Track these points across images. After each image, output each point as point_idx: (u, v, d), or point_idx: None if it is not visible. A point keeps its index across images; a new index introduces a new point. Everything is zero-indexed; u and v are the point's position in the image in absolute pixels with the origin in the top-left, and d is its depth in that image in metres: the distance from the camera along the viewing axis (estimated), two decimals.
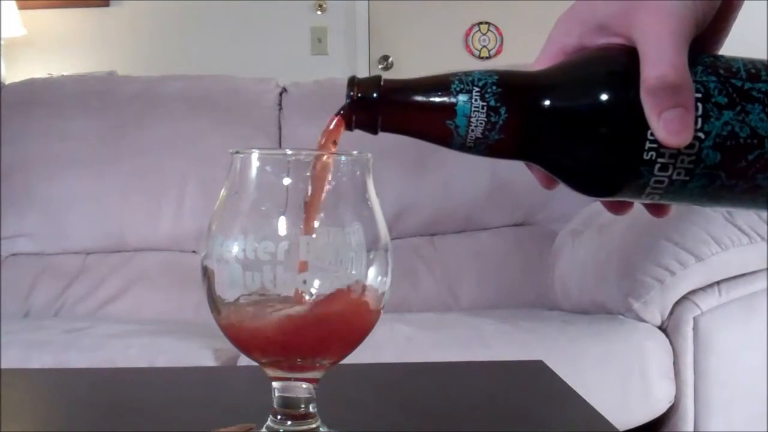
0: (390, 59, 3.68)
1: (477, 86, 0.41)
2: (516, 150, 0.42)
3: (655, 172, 0.39)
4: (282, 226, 0.46)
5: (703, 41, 0.41)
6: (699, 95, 0.38)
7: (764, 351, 1.38)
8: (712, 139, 0.38)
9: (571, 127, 0.40)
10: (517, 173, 1.64)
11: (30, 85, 2.18)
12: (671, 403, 1.41)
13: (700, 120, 0.38)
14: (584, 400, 0.64)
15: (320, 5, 3.58)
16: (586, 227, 1.67)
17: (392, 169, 1.93)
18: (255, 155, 0.48)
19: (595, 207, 1.73)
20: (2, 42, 3.28)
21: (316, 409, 0.49)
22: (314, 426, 0.49)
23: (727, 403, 1.42)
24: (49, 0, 3.49)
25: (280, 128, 2.06)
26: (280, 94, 2.11)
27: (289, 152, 0.48)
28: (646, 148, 0.38)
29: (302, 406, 0.49)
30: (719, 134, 0.38)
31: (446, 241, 1.97)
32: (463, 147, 0.42)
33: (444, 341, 1.43)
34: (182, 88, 2.11)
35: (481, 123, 0.40)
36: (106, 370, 1.12)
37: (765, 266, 1.40)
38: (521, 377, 0.77)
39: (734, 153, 0.39)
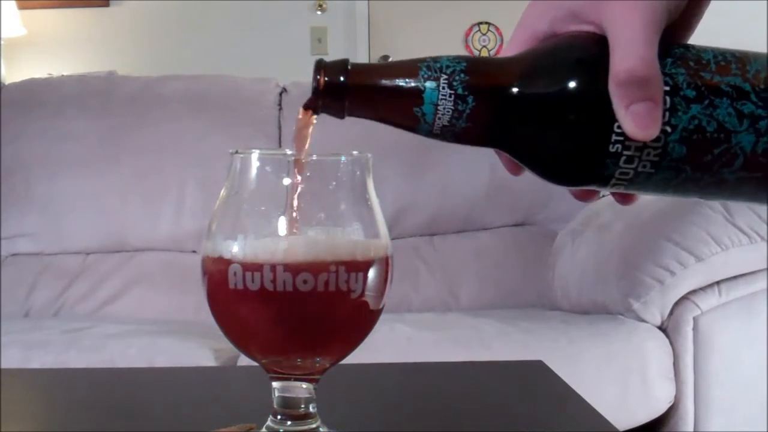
0: (390, 59, 3.68)
1: (445, 73, 0.40)
2: (483, 138, 0.42)
3: (621, 164, 0.39)
4: (282, 226, 0.46)
5: (673, 29, 0.41)
6: (667, 88, 0.38)
7: (764, 351, 1.38)
8: (679, 133, 0.38)
9: (538, 117, 0.40)
10: None
11: (30, 85, 2.17)
12: (671, 403, 1.41)
13: (667, 113, 0.38)
14: (584, 400, 0.64)
15: (320, 5, 3.58)
16: (586, 227, 1.67)
17: (392, 169, 1.93)
18: (255, 155, 0.48)
19: (595, 207, 1.73)
20: (2, 42, 3.28)
21: (316, 409, 0.49)
22: (314, 426, 0.49)
23: (727, 403, 1.42)
24: (49, 0, 3.49)
25: (280, 128, 2.06)
26: (280, 94, 2.11)
27: (289, 152, 0.48)
28: (613, 140, 0.38)
29: (302, 406, 0.49)
30: (686, 128, 0.38)
31: (446, 241, 1.97)
32: (430, 134, 0.42)
33: (444, 341, 1.43)
34: (182, 88, 2.11)
35: (448, 111, 0.40)
36: (106, 370, 1.12)
37: (765, 266, 1.40)
38: (521, 377, 0.77)
39: (700, 147, 0.38)
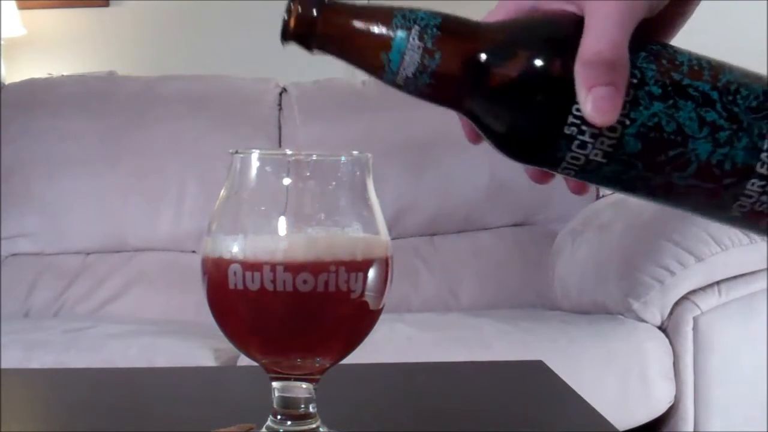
0: None
1: (418, 25, 0.40)
2: (445, 98, 0.41)
3: (573, 148, 0.38)
4: (282, 225, 0.46)
5: (656, 26, 0.41)
6: (634, 80, 0.37)
7: (764, 351, 1.38)
8: (637, 127, 0.38)
9: (500, 87, 0.39)
10: (517, 173, 1.64)
11: (30, 85, 2.17)
12: (671, 404, 1.41)
13: (628, 105, 0.37)
14: (584, 400, 0.64)
15: None
16: (586, 227, 1.67)
17: (392, 169, 1.93)
18: (255, 155, 0.48)
19: (595, 207, 1.73)
20: (2, 42, 3.28)
21: (316, 409, 0.49)
22: (314, 426, 0.49)
23: (727, 403, 1.42)
24: (49, 0, 3.49)
25: (280, 128, 2.05)
26: (280, 94, 2.11)
27: (289, 152, 0.48)
28: (569, 122, 0.38)
29: (302, 406, 0.49)
30: (645, 123, 0.38)
31: (446, 241, 1.97)
32: (394, 83, 0.41)
33: (444, 341, 1.43)
34: (182, 88, 2.11)
35: (414, 63, 0.40)
36: (106, 370, 1.12)
37: (765, 266, 1.40)
38: (521, 377, 0.77)
39: (655, 146, 0.38)
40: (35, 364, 1.35)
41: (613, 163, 0.39)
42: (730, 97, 0.38)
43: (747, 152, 0.38)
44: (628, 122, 0.38)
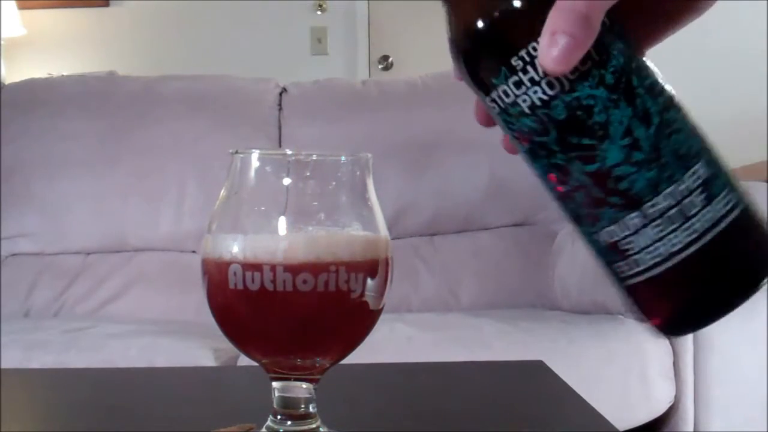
0: (390, 59, 3.68)
1: None
2: None
3: (509, 82, 0.38)
4: (282, 225, 0.46)
5: (661, 15, 0.40)
6: (597, 58, 0.37)
7: (764, 351, 1.38)
8: (571, 97, 0.37)
9: None
10: (517, 173, 1.64)
11: (30, 85, 2.18)
12: (671, 403, 1.41)
13: (578, 74, 0.37)
14: (584, 400, 0.64)
15: (320, 5, 3.58)
16: None
17: (392, 169, 1.93)
18: (255, 155, 0.48)
19: None
20: (2, 42, 3.28)
21: (316, 409, 0.49)
22: (314, 426, 0.49)
23: (727, 403, 1.42)
24: (49, 0, 3.49)
25: (280, 128, 2.06)
26: (280, 94, 2.11)
27: (289, 152, 0.48)
28: (521, 54, 0.37)
29: (302, 406, 0.49)
30: (580, 99, 0.37)
31: (446, 241, 1.97)
32: None
33: (444, 341, 1.43)
34: (182, 88, 2.11)
35: None
36: (106, 370, 1.12)
37: None
38: (521, 377, 0.77)
39: (576, 125, 0.37)
40: (35, 364, 1.35)
41: (533, 119, 0.38)
42: (667, 131, 0.38)
43: (647, 185, 0.37)
44: (567, 88, 0.37)
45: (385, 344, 1.32)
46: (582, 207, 0.39)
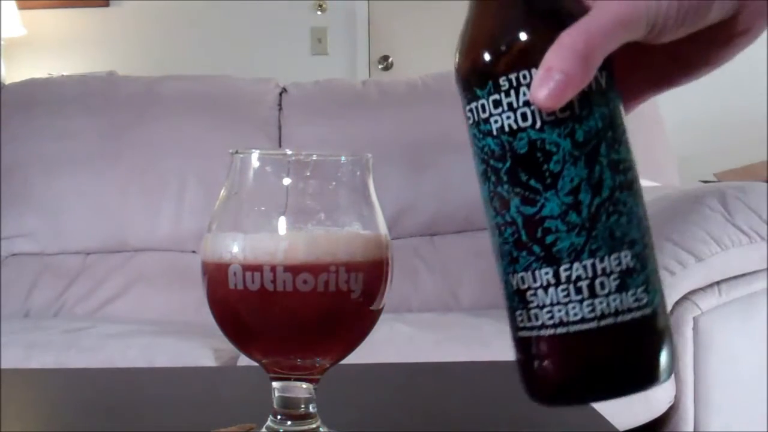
0: (390, 59, 3.68)
1: None
2: None
3: (490, 98, 0.38)
4: (282, 225, 0.46)
5: (662, 65, 0.40)
6: (576, 112, 0.37)
7: (764, 351, 1.38)
8: (537, 135, 0.37)
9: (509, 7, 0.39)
10: None
11: (30, 85, 2.18)
12: (671, 404, 1.41)
13: (554, 119, 0.37)
14: None
15: (320, 5, 3.58)
16: None
17: (392, 169, 1.93)
18: (255, 155, 0.48)
19: None
20: (2, 42, 3.28)
21: (316, 409, 0.49)
22: (314, 426, 0.49)
23: (727, 403, 1.42)
24: (49, 0, 3.49)
25: (280, 128, 2.06)
26: (280, 94, 2.11)
27: (289, 152, 0.48)
28: (510, 76, 0.37)
29: (302, 406, 0.49)
30: (544, 141, 0.37)
31: (446, 241, 1.97)
32: None
33: (444, 341, 1.43)
34: (182, 88, 2.11)
35: None
36: (106, 370, 1.12)
37: (765, 266, 1.40)
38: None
39: (530, 164, 0.37)
40: (35, 364, 1.35)
41: (496, 142, 0.38)
42: (611, 209, 0.37)
43: (570, 249, 0.37)
44: (537, 126, 0.37)
45: (385, 344, 1.32)
46: (506, 243, 0.39)
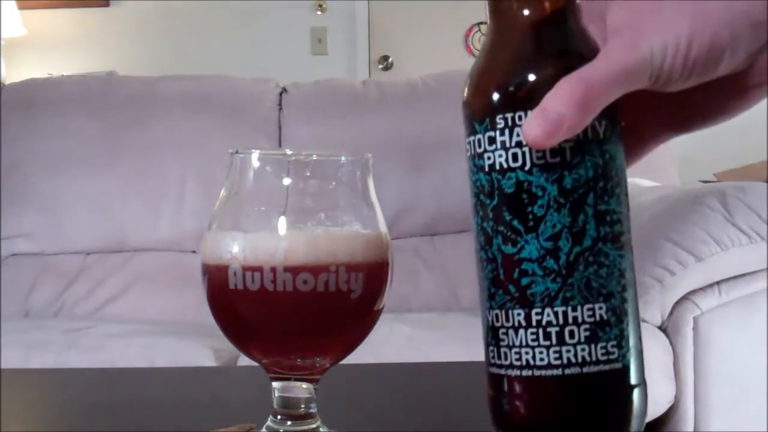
0: (390, 59, 3.68)
1: None
2: None
3: (486, 134, 0.38)
4: (282, 225, 0.46)
5: (677, 110, 0.40)
6: (569, 159, 0.37)
7: (764, 351, 1.38)
8: (525, 178, 0.37)
9: (517, 46, 0.39)
10: None
11: (30, 85, 2.18)
12: (671, 403, 1.41)
13: (544, 163, 0.37)
14: None
15: (320, 5, 3.58)
16: None
17: (392, 169, 1.93)
18: (255, 155, 0.48)
19: None
20: (2, 42, 3.28)
21: (316, 409, 0.49)
22: (314, 426, 0.49)
23: (727, 403, 1.42)
24: (49, 0, 3.49)
25: (280, 128, 2.06)
26: (280, 94, 2.11)
27: (289, 152, 0.48)
28: (507, 115, 0.38)
29: (302, 406, 0.49)
30: (531, 183, 0.37)
31: (446, 241, 1.97)
32: None
33: (444, 341, 1.43)
34: (182, 88, 2.11)
35: None
36: (106, 370, 1.12)
37: (765, 266, 1.40)
38: None
39: (517, 205, 0.38)
40: (35, 364, 1.35)
41: (487, 178, 0.39)
42: (591, 259, 0.38)
43: (544, 293, 0.38)
44: (526, 168, 0.37)
45: (385, 344, 1.32)
46: (486, 279, 0.40)
